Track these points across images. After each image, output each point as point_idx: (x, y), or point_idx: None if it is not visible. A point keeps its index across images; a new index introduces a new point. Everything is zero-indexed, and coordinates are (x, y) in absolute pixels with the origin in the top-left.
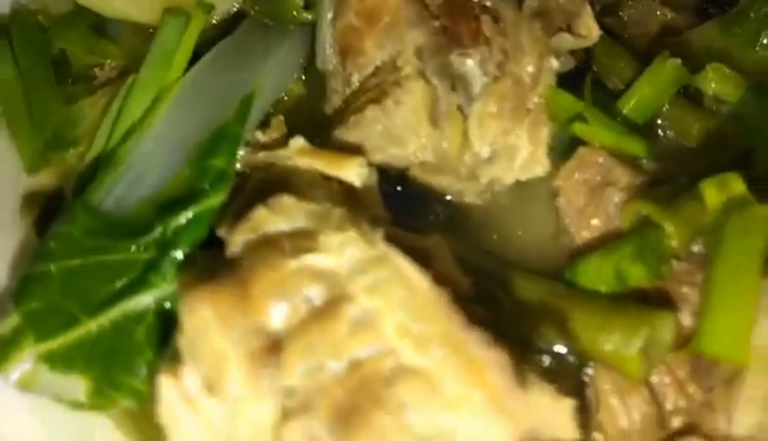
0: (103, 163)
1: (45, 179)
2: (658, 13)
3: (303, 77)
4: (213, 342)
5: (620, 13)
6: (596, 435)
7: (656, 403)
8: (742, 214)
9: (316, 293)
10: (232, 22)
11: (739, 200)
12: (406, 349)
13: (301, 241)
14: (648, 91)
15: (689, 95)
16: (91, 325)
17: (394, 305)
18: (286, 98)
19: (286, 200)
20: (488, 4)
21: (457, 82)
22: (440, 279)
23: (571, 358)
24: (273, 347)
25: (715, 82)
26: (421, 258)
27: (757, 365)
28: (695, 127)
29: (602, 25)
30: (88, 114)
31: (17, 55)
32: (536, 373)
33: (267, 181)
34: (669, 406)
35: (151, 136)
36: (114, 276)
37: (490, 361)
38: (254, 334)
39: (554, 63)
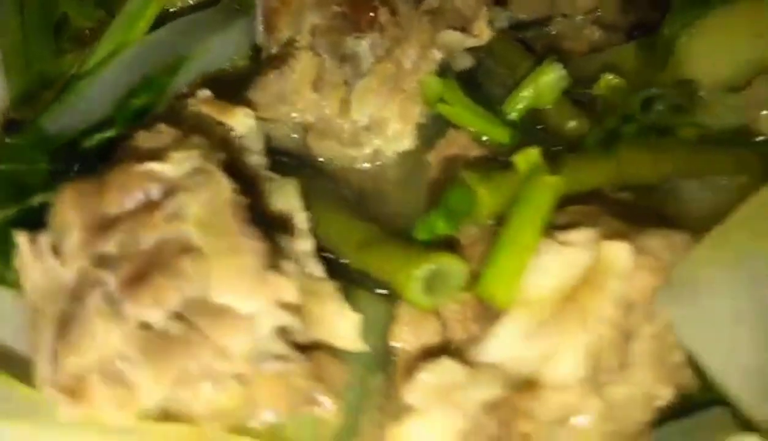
0: (61, 98)
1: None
2: (586, 31)
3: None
4: (66, 215)
5: (548, 28)
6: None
7: (444, 334)
8: (534, 180)
9: (154, 191)
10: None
11: (537, 170)
12: (197, 234)
13: (156, 153)
14: (527, 92)
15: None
16: None
17: (201, 202)
18: (231, 69)
19: (162, 127)
20: None
21: (349, 59)
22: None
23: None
24: (108, 225)
25: (606, 91)
26: (247, 183)
27: (521, 309)
28: (566, 128)
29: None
30: (73, 65)
31: (24, 7)
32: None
33: (174, 119)
34: (456, 338)
35: (99, 80)
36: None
37: (251, 248)
38: (97, 215)
39: (437, 55)
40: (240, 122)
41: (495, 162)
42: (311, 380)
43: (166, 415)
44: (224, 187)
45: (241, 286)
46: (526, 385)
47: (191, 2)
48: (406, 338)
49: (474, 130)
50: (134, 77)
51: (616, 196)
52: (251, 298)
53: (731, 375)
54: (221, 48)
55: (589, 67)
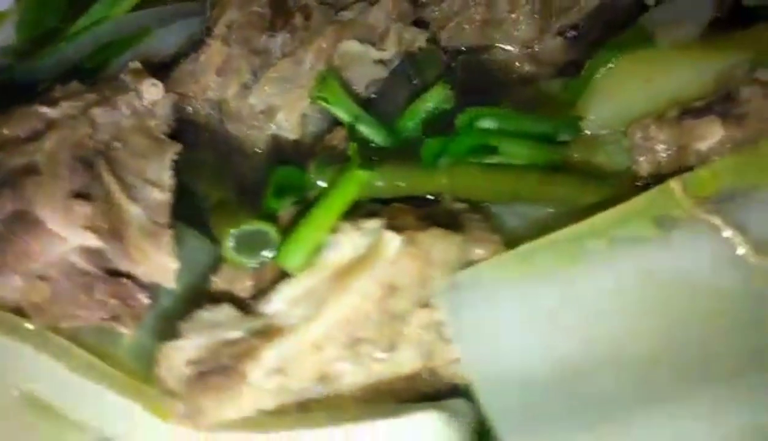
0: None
1: None
2: (517, 64)
3: None
4: None
5: (485, 56)
6: None
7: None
8: (347, 173)
9: (39, 126)
10: None
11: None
12: (43, 161)
13: (54, 101)
14: (419, 105)
15: None
16: None
17: (57, 139)
18: None
19: (74, 84)
20: (309, 2)
21: (260, 53)
22: None
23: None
24: None
25: None
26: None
27: (303, 275)
28: None
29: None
30: None
31: None
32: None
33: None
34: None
35: (73, 45)
36: None
37: (68, 178)
38: None
39: (336, 60)
40: (146, 90)
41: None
42: (114, 299)
43: None
44: (79, 130)
45: (53, 207)
46: (267, 333)
47: None
48: (220, 285)
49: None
50: (97, 47)
51: (449, 205)
52: (56, 218)
53: (485, 381)
54: (176, 32)
55: (515, 97)
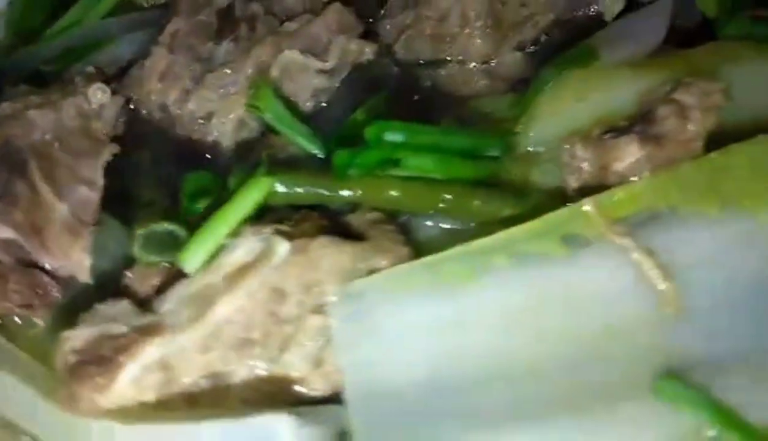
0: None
1: None
2: (474, 79)
3: None
4: None
5: (440, 70)
6: None
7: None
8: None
9: None
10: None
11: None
12: None
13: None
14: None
15: None
16: None
17: None
18: None
19: (23, 87)
20: (255, 13)
21: (204, 60)
22: None
23: None
24: None
25: None
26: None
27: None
28: None
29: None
30: None
31: None
32: None
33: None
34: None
35: (48, 45)
36: None
37: None
38: None
39: (275, 71)
40: (93, 93)
41: None
42: (27, 290)
43: None
44: (11, 129)
45: None
46: (150, 330)
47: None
48: (129, 281)
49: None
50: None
51: (363, 215)
52: None
53: (354, 389)
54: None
55: (465, 111)
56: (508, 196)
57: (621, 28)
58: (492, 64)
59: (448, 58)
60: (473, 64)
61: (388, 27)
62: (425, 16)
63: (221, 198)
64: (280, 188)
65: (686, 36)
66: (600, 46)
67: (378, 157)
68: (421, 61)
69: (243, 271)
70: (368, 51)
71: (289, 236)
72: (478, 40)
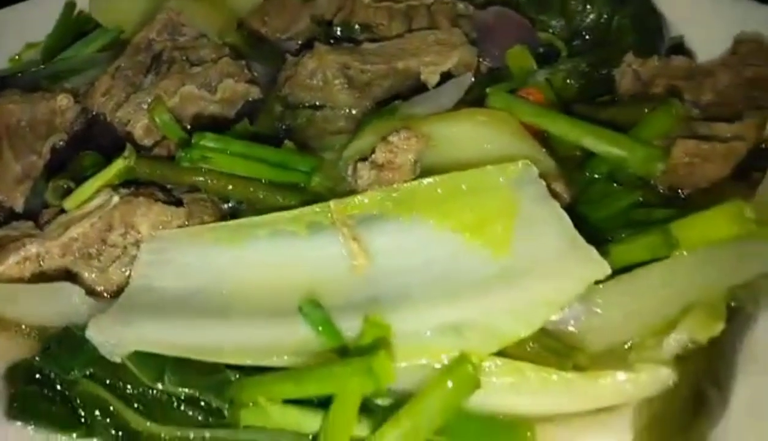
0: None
1: None
2: (339, 121)
3: None
4: None
5: (316, 112)
6: None
7: None
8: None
9: None
10: None
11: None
12: None
13: None
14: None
15: None
16: None
17: None
18: None
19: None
20: (175, 58)
21: (134, 85)
22: None
23: None
24: None
25: None
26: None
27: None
28: None
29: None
30: None
31: None
32: None
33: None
34: None
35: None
36: None
37: None
38: None
39: (176, 98)
40: (60, 99)
41: None
42: None
43: None
44: None
45: None
46: (31, 236)
47: None
48: (43, 214)
49: None
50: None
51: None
52: None
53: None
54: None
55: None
56: (287, 192)
57: (426, 95)
58: (353, 111)
59: (321, 104)
60: (342, 110)
61: (281, 76)
62: (300, 72)
63: None
64: (137, 168)
65: None
66: (404, 106)
67: (197, 156)
68: (304, 104)
69: (91, 211)
70: (253, 91)
71: (123, 196)
72: (342, 95)
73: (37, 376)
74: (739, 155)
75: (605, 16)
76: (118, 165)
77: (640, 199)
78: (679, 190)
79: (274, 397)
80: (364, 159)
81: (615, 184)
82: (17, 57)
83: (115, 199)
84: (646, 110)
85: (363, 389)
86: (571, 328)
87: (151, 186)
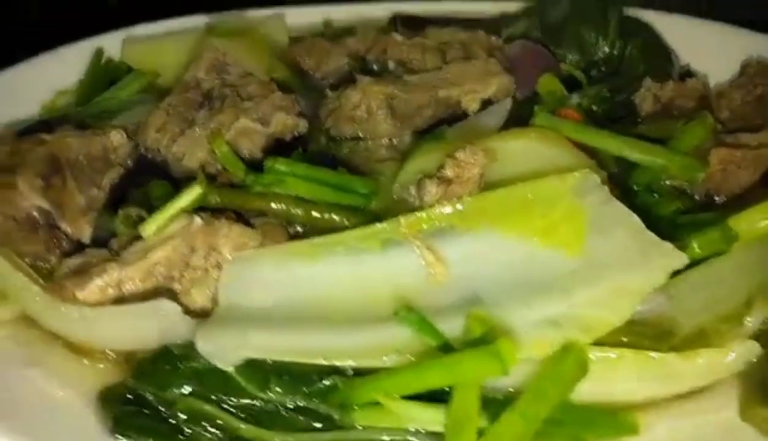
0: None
1: None
2: (381, 151)
3: None
4: None
5: (358, 143)
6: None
7: None
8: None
9: None
10: None
11: None
12: None
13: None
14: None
15: None
16: None
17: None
18: None
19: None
20: (226, 94)
21: (188, 120)
22: None
23: None
24: None
25: None
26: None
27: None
28: None
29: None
30: None
31: None
32: None
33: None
34: None
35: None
36: None
37: None
38: None
39: (232, 132)
40: (113, 136)
41: None
42: (50, 241)
43: None
44: (54, 147)
45: (23, 178)
46: (111, 262)
47: None
48: (112, 242)
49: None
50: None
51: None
52: (25, 185)
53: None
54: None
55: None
56: (348, 213)
57: (471, 119)
58: (394, 141)
59: (363, 136)
60: (382, 141)
61: (323, 110)
62: (344, 104)
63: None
64: (213, 197)
65: None
66: (450, 131)
67: (270, 180)
68: (346, 137)
69: (172, 235)
70: (302, 124)
71: (205, 219)
72: (384, 125)
73: (130, 396)
74: (767, 161)
75: (618, 47)
76: (196, 190)
77: (681, 206)
78: (715, 197)
79: (394, 394)
80: (430, 176)
81: (654, 195)
82: (50, 103)
83: (198, 221)
84: (679, 124)
85: (491, 373)
86: (656, 316)
87: (226, 211)
